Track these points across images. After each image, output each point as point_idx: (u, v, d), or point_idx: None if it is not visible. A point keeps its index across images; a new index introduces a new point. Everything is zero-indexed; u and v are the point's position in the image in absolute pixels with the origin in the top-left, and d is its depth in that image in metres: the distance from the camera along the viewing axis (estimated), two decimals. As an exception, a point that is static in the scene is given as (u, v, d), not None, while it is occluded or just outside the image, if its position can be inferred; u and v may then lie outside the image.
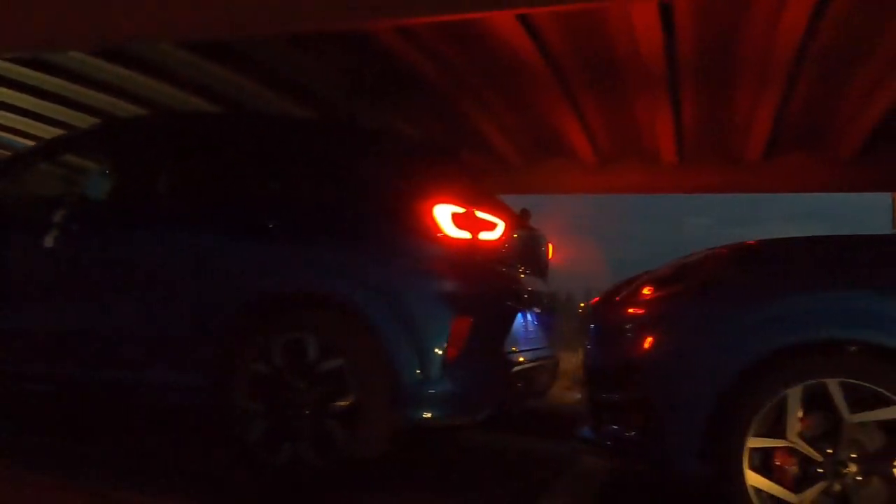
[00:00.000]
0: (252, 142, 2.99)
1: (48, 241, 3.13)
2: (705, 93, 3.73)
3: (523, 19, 3.09)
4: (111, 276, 2.99)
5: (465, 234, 2.68)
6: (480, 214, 2.75)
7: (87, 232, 3.11)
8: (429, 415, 2.58)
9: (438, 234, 2.62)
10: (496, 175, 4.73)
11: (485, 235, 2.75)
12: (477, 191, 3.03)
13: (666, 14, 2.91)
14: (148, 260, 2.93)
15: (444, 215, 2.64)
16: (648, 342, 2.32)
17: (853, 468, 1.97)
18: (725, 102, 3.88)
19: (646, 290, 2.46)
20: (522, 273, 3.27)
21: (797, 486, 2.02)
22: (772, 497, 2.01)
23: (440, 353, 2.53)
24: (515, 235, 3.38)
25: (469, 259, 2.67)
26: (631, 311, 2.47)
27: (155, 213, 3.02)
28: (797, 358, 2.06)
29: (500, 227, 2.82)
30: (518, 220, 3.57)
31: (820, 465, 2.00)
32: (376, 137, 3.08)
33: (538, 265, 3.53)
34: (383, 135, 3.25)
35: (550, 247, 3.76)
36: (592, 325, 2.66)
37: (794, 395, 2.03)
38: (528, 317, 3.17)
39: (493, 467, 3.13)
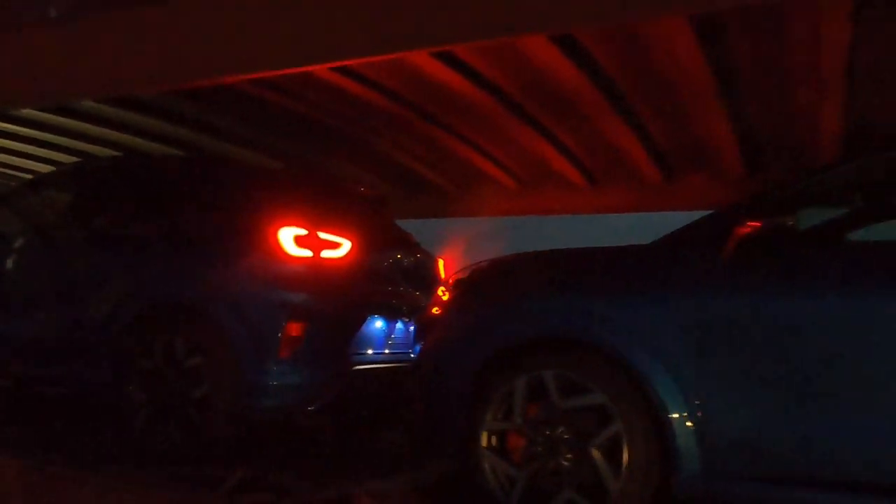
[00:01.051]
0: (144, 182, 3.65)
1: (8, 263, 3.89)
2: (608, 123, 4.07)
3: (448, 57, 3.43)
4: (44, 290, 3.69)
5: (307, 253, 3.20)
6: (323, 236, 3.26)
7: (32, 257, 3.85)
8: (268, 403, 3.10)
9: (281, 253, 3.15)
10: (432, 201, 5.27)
11: (328, 253, 3.26)
12: (341, 215, 3.55)
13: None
14: (69, 277, 3.61)
15: (287, 237, 3.17)
16: (428, 340, 2.77)
17: (564, 449, 2.34)
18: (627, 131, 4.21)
19: (439, 292, 2.90)
20: (395, 286, 3.75)
21: (524, 463, 2.40)
22: (505, 474, 2.40)
23: (275, 352, 3.05)
24: (399, 255, 3.89)
25: (307, 273, 3.18)
26: (427, 312, 2.92)
27: (77, 240, 3.70)
28: (522, 353, 2.46)
29: (345, 246, 3.32)
30: (404, 242, 4.06)
31: (540, 444, 2.37)
32: (240, 172, 3.67)
33: (423, 281, 3.98)
34: (245, 169, 3.84)
35: (441, 265, 4.22)
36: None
37: (521, 385, 2.42)
38: (397, 324, 3.64)
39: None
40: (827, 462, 2.04)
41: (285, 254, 3.15)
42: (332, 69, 3.54)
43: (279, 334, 3.05)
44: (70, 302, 3.57)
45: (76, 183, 4.00)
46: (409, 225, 6.02)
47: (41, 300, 3.74)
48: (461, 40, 2.87)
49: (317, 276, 3.22)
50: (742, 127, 3.96)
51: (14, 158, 5.52)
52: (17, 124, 4.68)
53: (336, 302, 3.25)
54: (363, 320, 3.38)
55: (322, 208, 3.48)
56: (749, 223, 2.17)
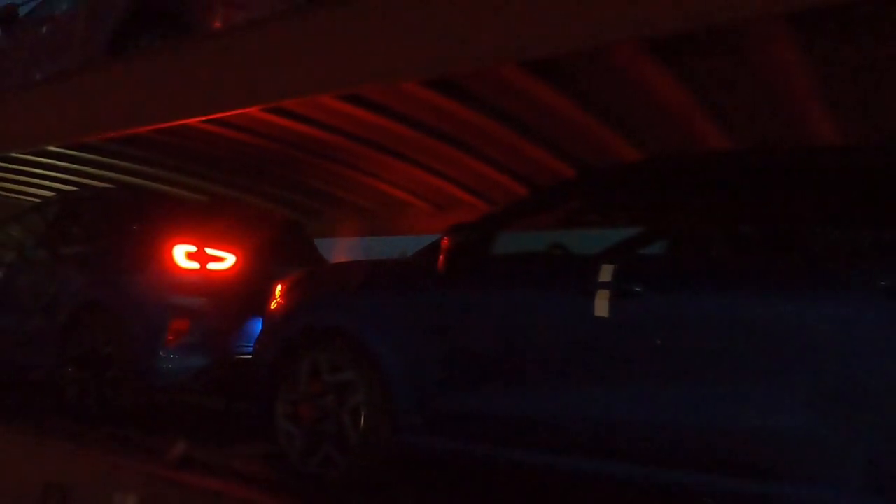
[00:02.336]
0: (83, 212, 4.66)
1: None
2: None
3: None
4: (19, 294, 4.72)
5: (195, 265, 4.07)
6: (210, 251, 4.12)
7: (16, 269, 4.90)
8: (159, 382, 3.98)
9: (173, 265, 4.04)
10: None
11: (214, 265, 4.13)
12: (240, 235, 4.40)
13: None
14: (34, 285, 4.62)
15: (179, 252, 4.06)
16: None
17: (328, 414, 3.08)
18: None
19: (276, 293, 3.68)
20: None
21: (303, 425, 3.16)
22: (290, 433, 3.16)
23: (163, 342, 3.93)
24: (294, 267, 4.70)
25: (194, 280, 4.05)
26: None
27: (42, 258, 4.72)
28: (307, 341, 3.22)
29: (230, 260, 4.18)
30: (306, 256, 4.88)
31: (316, 411, 3.13)
32: (152, 203, 4.60)
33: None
34: (157, 200, 4.76)
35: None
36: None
37: (304, 365, 3.18)
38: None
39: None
40: (515, 424, 2.70)
41: (176, 265, 4.04)
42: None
43: (167, 328, 3.93)
44: (33, 304, 4.58)
45: (42, 214, 5.07)
46: (354, 242, 6.89)
47: (16, 302, 4.77)
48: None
49: (202, 282, 4.08)
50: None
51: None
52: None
53: (219, 303, 4.10)
54: (245, 319, 4.21)
55: (221, 230, 4.34)
56: (452, 242, 2.89)
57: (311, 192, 5.80)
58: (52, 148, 4.85)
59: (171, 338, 3.94)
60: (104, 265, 4.27)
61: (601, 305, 2.48)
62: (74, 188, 5.80)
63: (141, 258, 4.13)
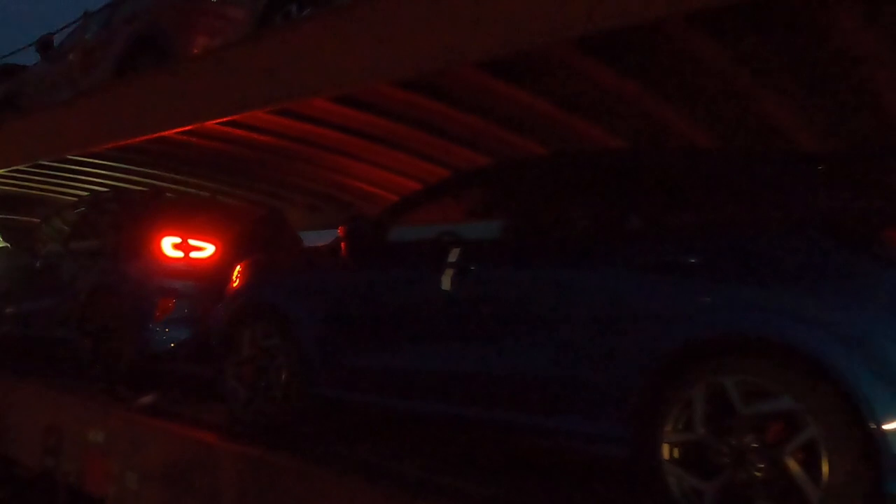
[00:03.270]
0: (90, 213, 5.59)
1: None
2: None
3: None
4: (49, 283, 5.69)
5: (180, 254, 4.89)
6: (193, 242, 4.93)
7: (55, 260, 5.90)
8: (152, 350, 4.82)
9: (161, 254, 4.86)
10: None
11: (196, 254, 4.93)
12: (224, 228, 5.19)
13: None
14: (66, 271, 5.58)
15: (167, 244, 4.88)
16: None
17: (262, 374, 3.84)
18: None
19: (234, 274, 4.43)
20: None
21: (246, 384, 3.92)
22: (237, 390, 3.93)
23: (153, 317, 4.77)
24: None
25: (179, 266, 4.87)
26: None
27: (63, 252, 5.67)
28: (250, 312, 3.95)
29: (210, 249, 4.97)
30: (289, 244, 5.65)
31: (253, 371, 3.88)
32: (146, 202, 5.44)
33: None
34: (150, 199, 5.60)
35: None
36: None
37: (247, 333, 3.92)
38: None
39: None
40: (390, 378, 3.36)
41: (164, 254, 4.86)
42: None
43: (156, 306, 4.76)
44: (59, 290, 5.53)
45: (74, 211, 6.01)
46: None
47: (55, 287, 5.73)
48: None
49: (186, 268, 4.90)
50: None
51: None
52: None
53: (200, 286, 4.91)
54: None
55: (204, 224, 5.15)
56: (347, 231, 3.56)
57: (306, 190, 6.58)
58: (70, 157, 5.78)
59: (159, 314, 4.78)
60: (109, 257, 5.16)
61: (446, 281, 3.12)
62: (99, 189, 6.78)
63: (138, 249, 4.98)
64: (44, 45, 6.93)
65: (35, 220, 6.76)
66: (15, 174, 6.91)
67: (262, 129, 4.89)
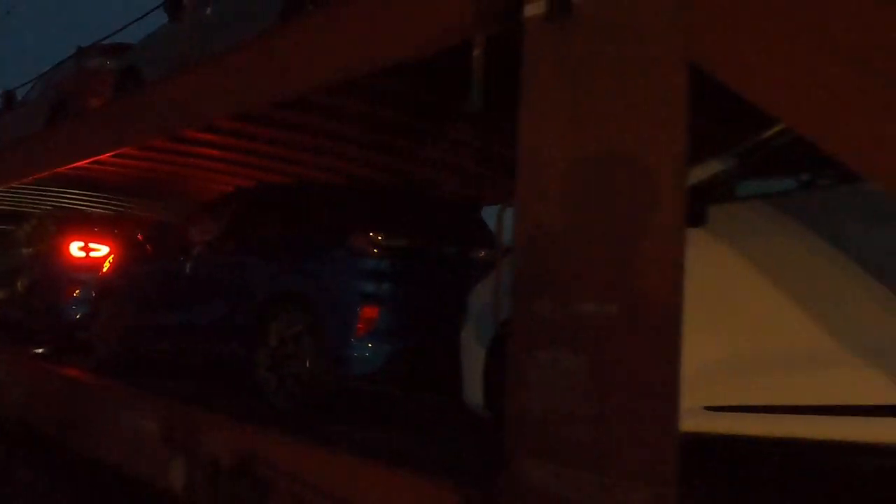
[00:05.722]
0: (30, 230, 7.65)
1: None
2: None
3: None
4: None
5: (82, 255, 6.90)
6: (93, 245, 6.93)
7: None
8: (60, 324, 6.85)
9: (70, 254, 6.89)
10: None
11: (95, 254, 6.94)
12: (122, 233, 7.18)
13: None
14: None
15: (74, 246, 6.91)
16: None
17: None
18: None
19: (106, 263, 6.43)
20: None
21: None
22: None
23: (64, 300, 6.80)
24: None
25: (83, 264, 6.88)
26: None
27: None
28: (100, 289, 5.95)
29: (105, 250, 6.97)
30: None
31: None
32: (63, 218, 7.45)
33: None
34: (67, 215, 7.59)
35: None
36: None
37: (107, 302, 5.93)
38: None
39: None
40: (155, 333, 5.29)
41: (71, 255, 6.89)
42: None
43: (65, 292, 6.79)
44: (10, 283, 7.66)
45: (23, 226, 8.14)
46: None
47: (4, 283, 7.87)
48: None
49: (88, 265, 6.91)
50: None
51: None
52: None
53: (97, 276, 6.91)
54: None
55: (102, 232, 7.14)
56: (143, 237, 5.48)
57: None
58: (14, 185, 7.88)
59: (68, 298, 6.81)
60: (43, 257, 7.24)
61: (188, 267, 5.01)
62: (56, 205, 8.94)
63: (58, 252, 7.03)
64: (7, 99, 9.15)
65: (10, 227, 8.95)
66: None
67: (138, 156, 6.86)
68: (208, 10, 5.44)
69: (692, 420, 2.61)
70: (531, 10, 2.25)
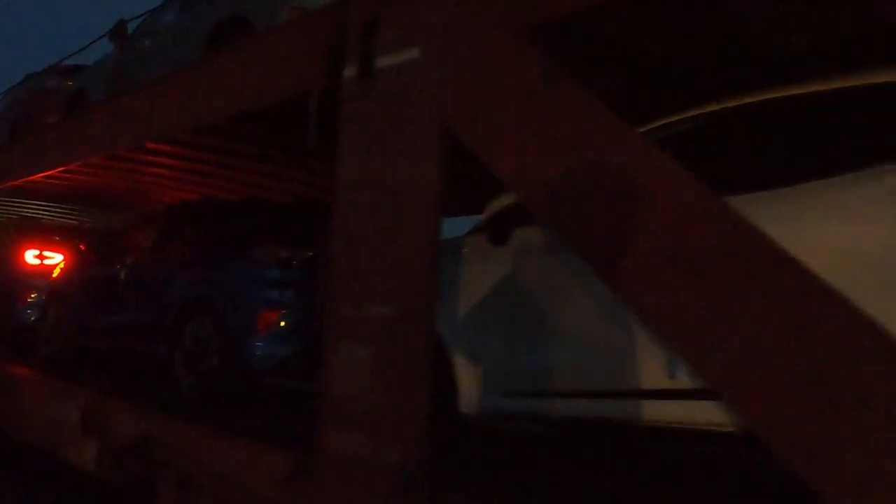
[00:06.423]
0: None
1: None
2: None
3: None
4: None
5: (37, 262, 7.42)
6: (47, 253, 7.45)
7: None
8: (20, 325, 7.36)
9: (25, 262, 7.40)
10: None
11: (49, 262, 7.45)
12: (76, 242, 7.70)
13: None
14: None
15: (29, 255, 7.42)
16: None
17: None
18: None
19: (58, 266, 6.95)
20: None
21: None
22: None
23: (21, 304, 7.31)
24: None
25: (37, 270, 7.39)
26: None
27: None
28: (51, 293, 6.48)
29: (59, 257, 7.48)
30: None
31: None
32: (22, 228, 7.97)
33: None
34: (25, 227, 8.11)
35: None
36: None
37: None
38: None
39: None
40: (105, 330, 5.84)
41: (26, 262, 7.40)
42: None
43: (21, 297, 7.30)
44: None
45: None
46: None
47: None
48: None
49: (42, 272, 7.42)
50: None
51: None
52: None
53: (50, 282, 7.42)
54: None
55: (57, 240, 7.66)
56: (87, 245, 6.01)
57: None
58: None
59: (24, 302, 7.32)
60: (2, 263, 7.75)
61: (123, 274, 5.55)
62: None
63: (15, 259, 7.54)
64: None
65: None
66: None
67: (85, 172, 7.39)
68: (147, 42, 6.00)
69: (491, 403, 3.21)
70: (347, 73, 2.84)
